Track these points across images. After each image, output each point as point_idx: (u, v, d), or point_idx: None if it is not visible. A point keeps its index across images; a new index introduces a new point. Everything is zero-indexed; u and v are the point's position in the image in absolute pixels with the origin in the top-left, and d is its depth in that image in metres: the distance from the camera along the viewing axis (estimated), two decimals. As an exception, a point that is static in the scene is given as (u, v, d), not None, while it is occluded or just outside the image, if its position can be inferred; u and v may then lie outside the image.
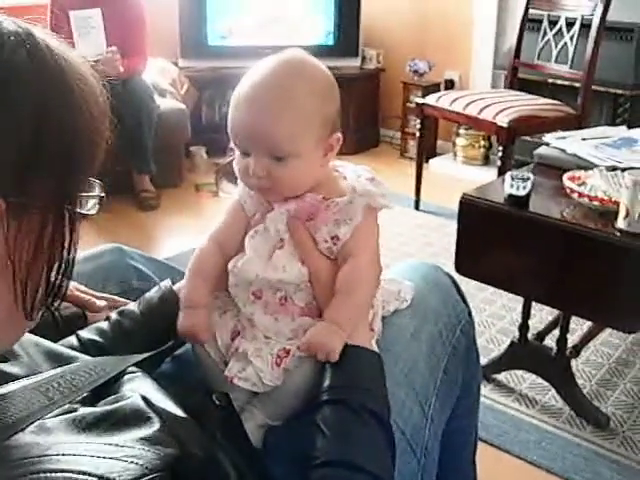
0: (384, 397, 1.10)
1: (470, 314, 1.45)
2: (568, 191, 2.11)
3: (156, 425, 0.74)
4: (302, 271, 1.15)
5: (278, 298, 1.16)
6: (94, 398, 0.83)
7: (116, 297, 1.41)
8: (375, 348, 1.17)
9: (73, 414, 0.74)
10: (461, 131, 5.07)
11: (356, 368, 1.11)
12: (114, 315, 1.25)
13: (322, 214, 1.16)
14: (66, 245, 0.75)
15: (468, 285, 1.48)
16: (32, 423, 0.71)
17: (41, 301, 0.76)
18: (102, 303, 1.35)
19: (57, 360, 0.94)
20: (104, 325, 1.23)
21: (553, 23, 4.01)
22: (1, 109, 0.64)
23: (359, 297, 1.16)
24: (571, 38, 3.87)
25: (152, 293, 1.27)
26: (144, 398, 0.79)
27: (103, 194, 0.81)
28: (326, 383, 1.08)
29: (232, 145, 1.16)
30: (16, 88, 0.66)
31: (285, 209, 1.17)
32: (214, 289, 1.21)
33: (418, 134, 4.25)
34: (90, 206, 0.79)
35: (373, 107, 5.63)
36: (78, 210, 0.76)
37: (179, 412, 0.84)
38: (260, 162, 1.12)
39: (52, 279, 0.75)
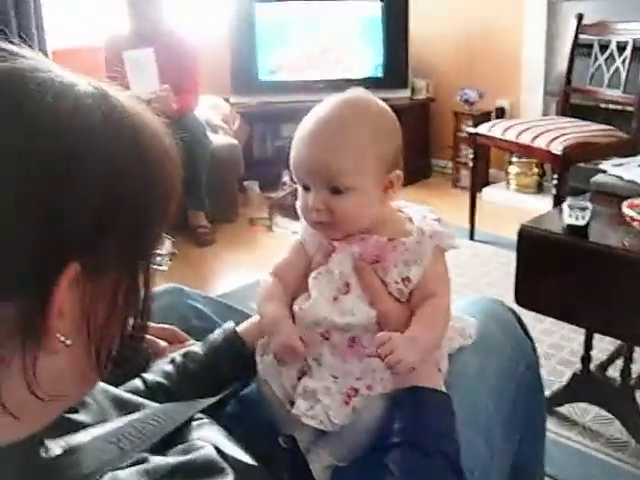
0: (456, 440, 1.08)
1: (534, 349, 1.43)
2: (628, 219, 2.08)
3: (229, 477, 0.73)
4: (370, 314, 1.14)
5: (346, 339, 1.15)
6: (162, 445, 0.83)
7: (175, 328, 1.41)
8: (444, 389, 1.15)
9: (145, 465, 0.73)
10: (514, 159, 5.03)
11: (428, 410, 1.10)
12: (179, 357, 1.25)
13: (390, 255, 1.16)
14: (140, 303, 0.75)
15: (527, 316, 1.46)
16: (105, 474, 0.71)
17: (115, 360, 0.75)
18: (164, 344, 1.36)
19: (125, 407, 0.95)
20: (169, 368, 1.24)
21: (604, 47, 3.98)
22: (76, 172, 0.64)
23: (437, 333, 1.16)
24: (623, 62, 3.84)
25: (215, 335, 1.28)
26: (216, 448, 0.78)
27: (175, 250, 0.82)
28: (396, 425, 1.07)
29: (295, 180, 1.18)
30: (91, 151, 0.65)
31: (349, 252, 1.17)
32: (288, 308, 1.19)
33: (471, 164, 4.24)
34: (162, 262, 0.79)
35: (424, 137, 5.62)
36: (151, 266, 0.76)
37: (249, 460, 0.83)
38: (319, 195, 1.14)
39: (126, 337, 0.75)
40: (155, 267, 0.77)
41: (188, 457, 0.75)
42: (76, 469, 0.71)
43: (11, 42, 0.69)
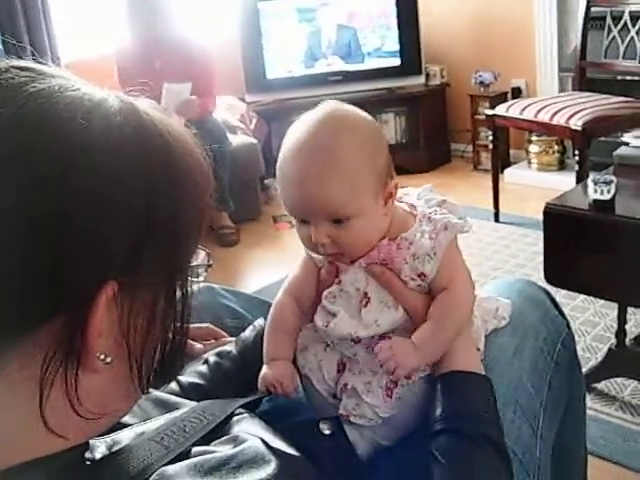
0: (499, 422, 1.08)
1: (569, 327, 1.42)
2: (654, 190, 2.07)
3: (274, 467, 0.73)
4: (396, 317, 1.12)
5: (377, 338, 1.13)
6: (203, 439, 0.84)
7: (211, 325, 1.42)
8: (482, 369, 1.15)
9: (193, 459, 0.74)
10: (533, 138, 5.00)
11: (469, 394, 1.09)
12: (212, 357, 1.26)
13: (396, 255, 1.11)
14: (179, 317, 0.75)
15: (557, 295, 1.45)
16: (153, 473, 0.72)
17: (158, 373, 0.76)
18: (199, 346, 1.36)
19: (164, 406, 0.96)
20: (203, 368, 1.25)
21: (617, 19, 3.94)
22: (109, 192, 0.64)
23: (453, 327, 1.12)
24: (637, 32, 3.81)
25: (247, 333, 1.29)
26: (263, 440, 0.79)
27: (211, 262, 0.82)
28: (439, 412, 1.07)
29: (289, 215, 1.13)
30: (124, 170, 0.65)
31: (357, 267, 1.13)
32: (296, 341, 1.20)
33: (491, 145, 4.22)
34: (200, 273, 0.79)
35: (441, 123, 5.60)
36: (188, 279, 0.76)
37: (292, 451, 0.84)
38: (321, 230, 1.08)
39: (166, 351, 0.75)
40: (192, 279, 0.77)
41: (236, 450, 0.75)
42: (123, 470, 0.72)
43: (37, 60, 0.69)
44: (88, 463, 0.73)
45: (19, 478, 0.65)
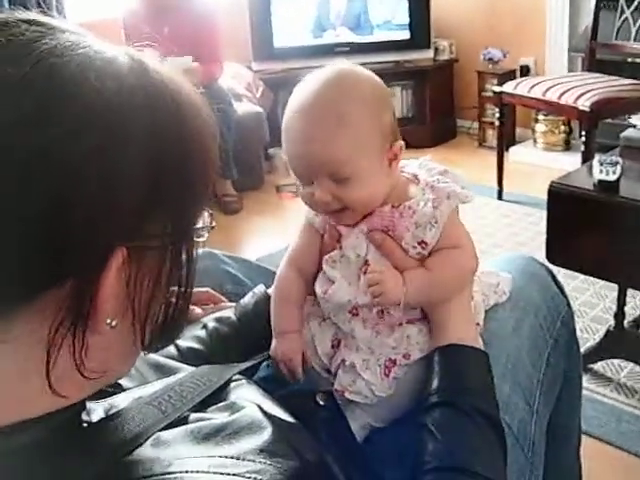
0: (494, 397, 1.08)
1: (569, 305, 1.42)
2: (659, 173, 2.06)
3: (270, 432, 0.73)
4: None
5: (375, 313, 1.13)
6: (201, 404, 0.84)
7: (211, 290, 1.42)
8: (481, 344, 1.15)
9: (189, 425, 0.75)
10: (540, 117, 4.97)
11: (465, 368, 1.09)
12: (211, 323, 1.26)
13: (399, 222, 1.11)
14: (183, 280, 0.74)
15: (558, 274, 1.45)
16: (150, 437, 0.72)
17: (160, 335, 0.75)
18: (198, 310, 1.36)
19: (162, 371, 0.96)
20: (202, 333, 1.25)
21: (630, 0, 3.90)
22: (120, 155, 0.63)
23: (448, 280, 1.12)
24: (650, 14, 3.78)
25: (247, 299, 1.28)
26: (259, 407, 0.79)
27: (214, 223, 0.81)
28: (434, 385, 1.07)
29: (292, 174, 1.12)
30: (133, 133, 0.64)
31: (358, 232, 1.12)
32: (302, 311, 1.19)
33: (497, 123, 4.20)
34: (202, 234, 0.79)
35: (448, 98, 5.58)
36: (194, 242, 0.75)
37: (288, 417, 0.84)
38: (324, 187, 1.08)
39: (170, 312, 0.75)
40: (196, 238, 0.76)
41: (232, 417, 0.76)
42: (120, 432, 0.72)
43: (45, 13, 0.67)
44: (85, 425, 0.73)
45: (17, 436, 0.65)
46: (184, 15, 4.21)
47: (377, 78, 1.13)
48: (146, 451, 0.70)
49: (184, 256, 0.73)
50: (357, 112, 1.07)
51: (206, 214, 0.79)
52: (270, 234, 4.04)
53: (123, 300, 0.67)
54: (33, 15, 0.66)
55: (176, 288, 0.74)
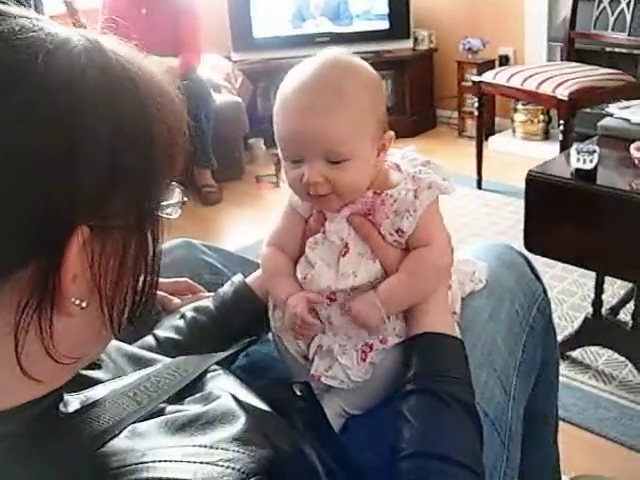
0: (470, 384, 1.09)
1: (545, 292, 1.43)
2: (636, 161, 2.07)
3: (244, 422, 0.73)
4: (373, 269, 1.12)
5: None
6: (178, 396, 0.84)
7: (188, 280, 1.41)
8: (458, 332, 1.15)
9: (164, 417, 0.74)
10: (519, 107, 4.99)
11: (441, 356, 1.10)
12: (189, 312, 1.25)
13: (379, 209, 1.11)
14: (150, 257, 0.73)
15: (536, 263, 1.45)
16: (125, 428, 0.72)
17: (128, 316, 0.75)
18: (176, 300, 1.36)
19: (139, 363, 0.95)
20: (180, 323, 1.24)
21: (608, -10, 3.92)
22: (75, 135, 0.62)
23: (421, 282, 1.13)
24: (628, 4, 3.80)
25: (225, 288, 1.28)
26: (233, 397, 0.79)
27: (185, 199, 0.80)
28: (411, 372, 1.07)
29: (282, 154, 1.11)
30: (89, 112, 0.63)
31: (342, 217, 1.12)
32: (296, 279, 1.17)
33: (477, 112, 4.20)
34: (171, 211, 0.78)
35: (428, 88, 5.58)
36: (159, 216, 0.74)
37: (264, 406, 0.84)
38: (315, 168, 1.06)
39: (138, 294, 0.74)
40: (166, 216, 0.76)
41: (207, 407, 0.76)
42: (95, 424, 0.72)
43: (2, 2, 0.66)
44: (61, 416, 0.73)
45: None
46: (162, 3, 4.24)
47: (372, 69, 1.14)
48: (121, 442, 0.70)
49: (149, 236, 0.72)
50: (357, 92, 1.07)
51: (177, 190, 0.79)
52: (250, 224, 4.03)
53: (89, 280, 0.67)
54: None
55: (144, 269, 0.73)
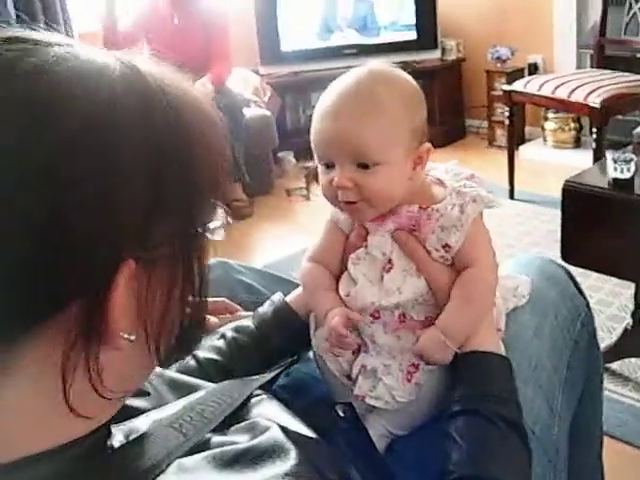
0: (518, 404, 1.06)
1: (588, 306, 1.41)
2: (674, 170, 2.04)
3: (295, 456, 0.71)
4: (418, 285, 1.10)
5: (396, 316, 1.11)
6: (222, 424, 0.82)
7: (226, 299, 1.41)
8: (503, 350, 1.13)
9: (212, 451, 0.72)
10: (550, 115, 4.96)
11: (488, 376, 1.08)
12: (229, 332, 1.24)
13: (425, 224, 1.10)
14: (197, 290, 0.72)
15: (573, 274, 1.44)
16: (171, 463, 0.70)
17: (176, 348, 0.73)
18: (214, 319, 1.35)
19: (181, 390, 0.93)
20: (220, 343, 1.23)
21: (638, -5, 3.89)
22: (117, 164, 0.61)
23: (479, 306, 1.11)
24: (659, 9, 3.76)
25: (265, 307, 1.26)
26: (281, 427, 0.76)
27: (229, 219, 0.79)
28: (458, 393, 1.05)
29: (316, 158, 1.11)
30: (129, 140, 0.62)
31: (384, 230, 1.11)
32: (337, 294, 1.15)
33: (507, 122, 4.17)
34: (217, 233, 0.77)
35: (457, 98, 5.57)
36: (204, 240, 0.73)
37: (310, 433, 0.82)
38: (345, 171, 1.06)
39: (186, 321, 0.72)
40: (209, 237, 0.74)
41: (255, 441, 0.73)
42: (141, 460, 0.70)
43: (32, 28, 0.65)
44: (109, 451, 0.71)
45: (43, 466, 0.64)
46: (195, 8, 4.27)
47: (414, 82, 1.14)
48: (168, 478, 0.68)
49: (196, 264, 0.71)
50: (391, 100, 1.07)
51: (220, 211, 0.77)
52: (281, 238, 4.02)
53: (136, 313, 0.65)
54: (13, 32, 0.63)
55: (190, 298, 0.72)
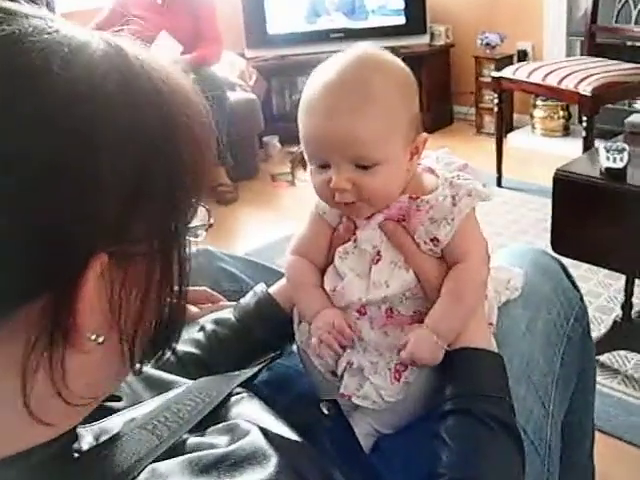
0: (511, 403, 1.02)
1: (582, 299, 1.37)
2: (668, 159, 2.00)
3: (275, 463, 0.65)
4: (406, 278, 1.05)
5: (384, 311, 1.06)
6: (199, 424, 0.76)
7: (207, 289, 1.36)
8: (494, 345, 1.08)
9: (187, 456, 0.66)
10: (538, 102, 4.91)
11: (480, 374, 1.03)
12: (209, 325, 1.19)
13: (414, 215, 1.04)
14: (176, 285, 0.67)
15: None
16: (144, 469, 0.64)
17: (151, 352, 0.69)
18: (194, 309, 1.30)
19: (157, 387, 0.87)
20: (199, 336, 1.17)
21: (630, -18, 3.85)
22: (94, 149, 0.55)
23: (470, 303, 1.05)
24: (651, -3, 3.72)
25: (247, 299, 1.20)
26: (262, 430, 0.71)
27: (212, 221, 0.74)
28: (449, 391, 1.01)
29: (307, 158, 1.04)
30: (110, 123, 0.56)
31: (374, 223, 1.05)
32: (324, 291, 1.10)
33: (496, 109, 4.13)
34: (198, 233, 0.71)
35: (445, 84, 5.52)
36: (185, 239, 0.67)
37: (293, 436, 0.76)
38: (343, 173, 0.99)
39: (163, 324, 0.67)
40: (191, 239, 0.69)
41: (234, 447, 0.67)
42: (112, 464, 0.64)
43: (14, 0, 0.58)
44: (76, 455, 0.65)
45: (2, 474, 0.58)
46: None
47: (406, 67, 1.06)
48: None
49: (175, 264, 0.66)
50: (386, 90, 1.00)
51: (203, 211, 0.72)
52: (267, 224, 3.96)
53: (108, 313, 0.60)
54: None
55: (168, 299, 0.66)
